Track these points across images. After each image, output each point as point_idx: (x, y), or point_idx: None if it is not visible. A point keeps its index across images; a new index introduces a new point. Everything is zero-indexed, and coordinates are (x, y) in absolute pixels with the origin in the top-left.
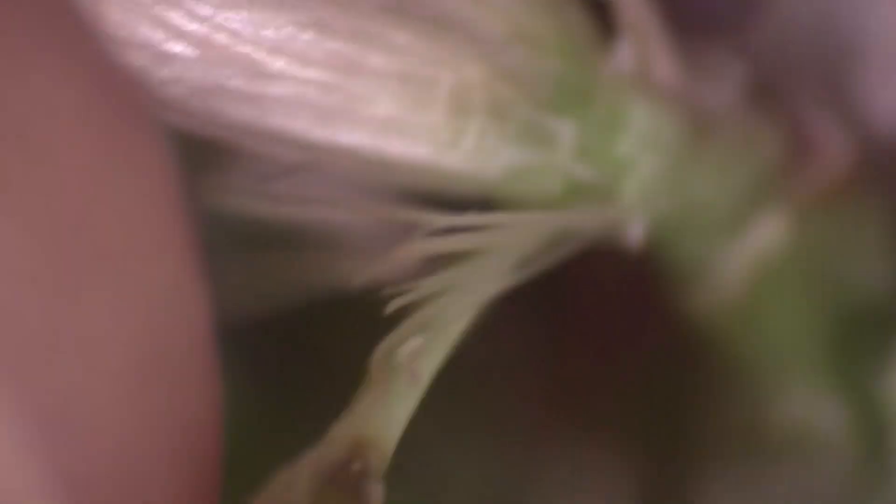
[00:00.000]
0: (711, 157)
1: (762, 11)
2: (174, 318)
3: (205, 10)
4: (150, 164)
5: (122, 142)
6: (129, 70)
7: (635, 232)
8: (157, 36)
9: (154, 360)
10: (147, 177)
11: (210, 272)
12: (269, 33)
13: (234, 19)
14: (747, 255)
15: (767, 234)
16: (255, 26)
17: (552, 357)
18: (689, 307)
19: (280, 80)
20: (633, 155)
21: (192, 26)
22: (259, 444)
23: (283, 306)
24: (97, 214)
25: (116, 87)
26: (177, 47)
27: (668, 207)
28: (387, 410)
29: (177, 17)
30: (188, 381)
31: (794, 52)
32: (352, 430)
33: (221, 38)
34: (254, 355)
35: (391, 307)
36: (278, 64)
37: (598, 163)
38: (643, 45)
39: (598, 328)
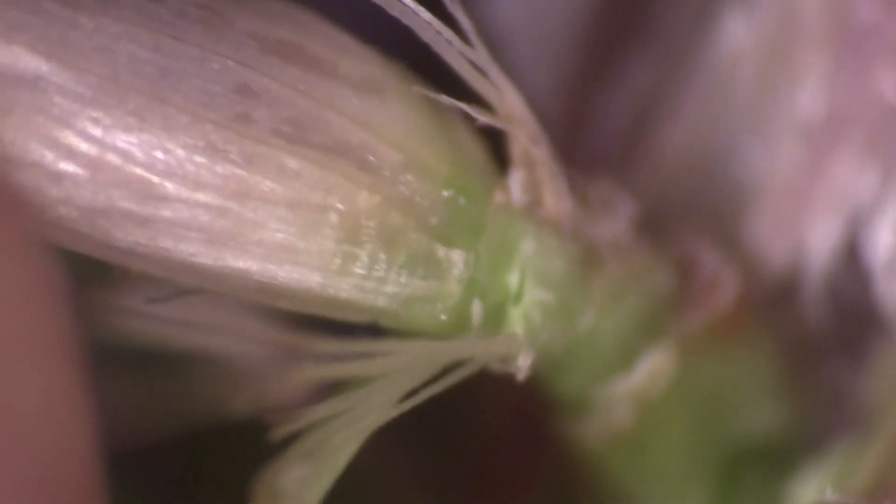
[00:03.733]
0: (599, 290)
1: (654, 147)
2: (57, 437)
3: (96, 131)
4: (33, 283)
5: (5, 252)
6: (16, 187)
7: (524, 362)
8: (47, 155)
9: (33, 477)
10: (29, 295)
11: (98, 394)
12: (160, 155)
13: (126, 140)
14: (634, 388)
15: (654, 368)
16: (147, 148)
17: (439, 486)
18: (576, 438)
19: (170, 203)
20: (521, 286)
21: (84, 146)
22: None
23: (169, 430)
24: None
25: (1, 200)
26: (67, 167)
27: (557, 339)
28: None
29: (68, 137)
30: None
31: (686, 189)
32: None
33: (113, 159)
34: (140, 479)
35: (278, 433)
36: (169, 187)
37: (488, 293)
38: (534, 177)
39: (485, 458)
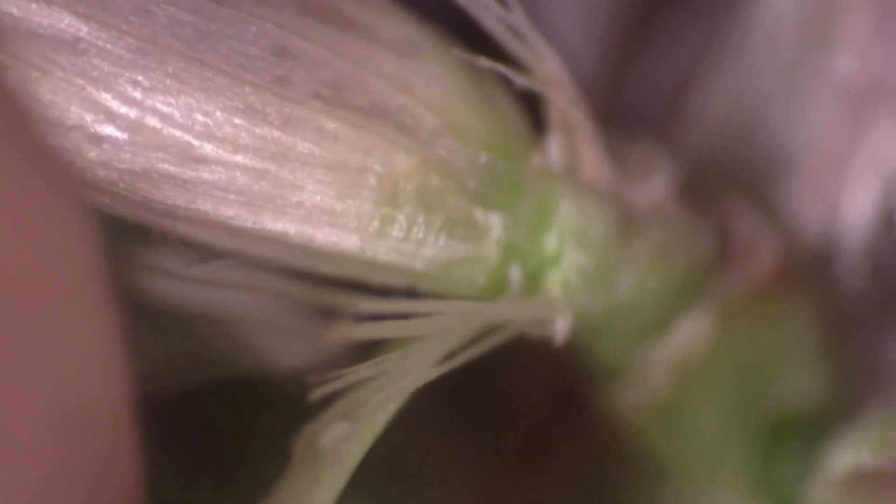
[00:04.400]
0: (638, 254)
1: (693, 111)
2: (92, 384)
3: (136, 93)
4: (73, 236)
5: (45, 213)
6: (56, 149)
7: (561, 326)
8: (87, 118)
9: (73, 421)
10: (70, 248)
11: (135, 347)
12: (199, 118)
13: (165, 103)
14: (672, 354)
15: (692, 333)
16: (186, 110)
17: (475, 449)
18: (613, 403)
19: (209, 166)
20: (560, 250)
21: (123, 109)
22: None
23: (209, 385)
24: (11, 275)
25: (41, 160)
26: (107, 130)
27: (594, 303)
28: (309, 497)
29: (108, 100)
30: (106, 449)
31: (724, 154)
32: None
33: (152, 121)
34: (177, 431)
35: (317, 393)
36: (208, 149)
37: (526, 256)
38: (573, 140)
39: (522, 421)
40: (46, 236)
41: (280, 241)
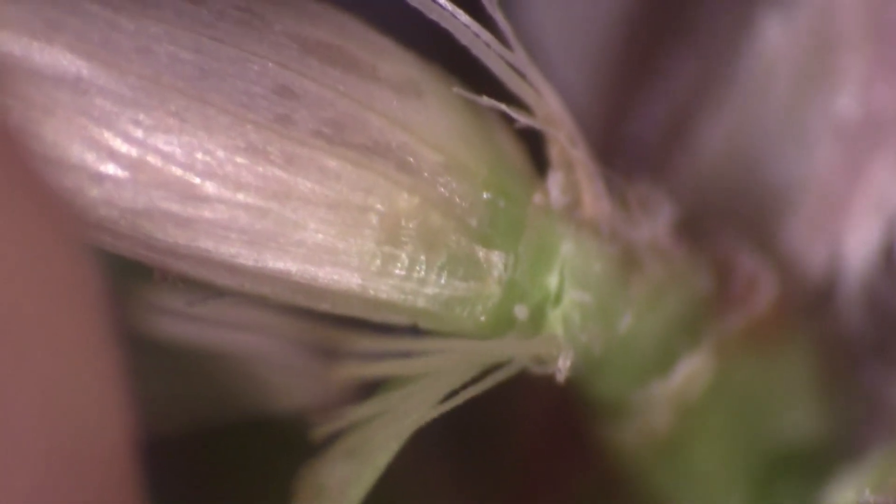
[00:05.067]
0: (638, 292)
1: (692, 149)
2: (92, 425)
3: (138, 133)
4: (73, 276)
5: (45, 253)
6: (57, 188)
7: (563, 364)
8: (89, 157)
9: (71, 462)
10: (70, 288)
11: (137, 389)
12: (201, 156)
13: (167, 142)
14: (671, 391)
15: (692, 371)
16: (188, 149)
17: (477, 485)
18: (614, 441)
19: (211, 204)
20: (561, 287)
21: (125, 148)
22: None
23: (211, 426)
24: (14, 318)
25: (42, 200)
26: (108, 168)
27: (596, 341)
28: None
29: (109, 139)
30: (105, 489)
31: (723, 191)
32: None
33: (154, 160)
34: (180, 473)
35: (320, 431)
36: (210, 187)
37: (527, 294)
38: (573, 178)
39: (524, 459)
40: (46, 276)
41: (282, 279)
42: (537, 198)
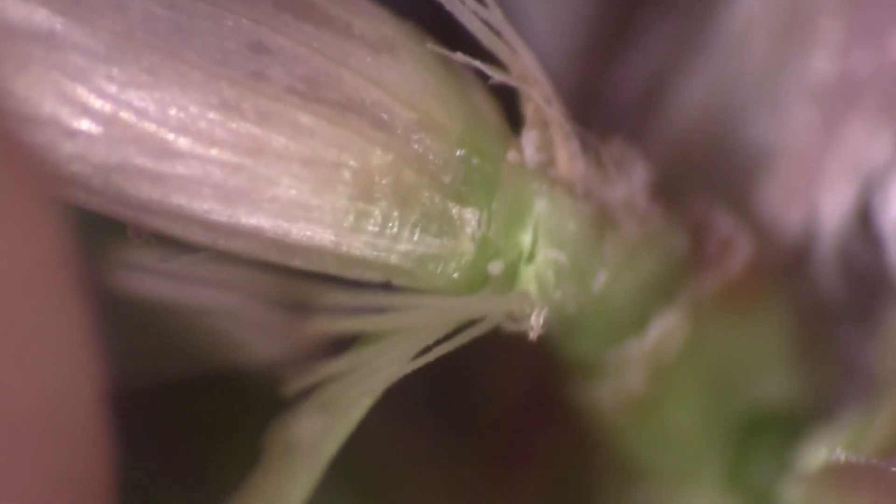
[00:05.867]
0: (612, 251)
1: (668, 111)
2: (61, 379)
3: (111, 88)
4: (43, 231)
5: (14, 208)
6: (30, 143)
7: (536, 322)
8: (62, 112)
9: (41, 416)
10: (40, 243)
11: (109, 344)
12: (174, 112)
13: (141, 97)
14: (646, 351)
15: (667, 331)
16: (161, 105)
17: (450, 446)
18: (587, 400)
19: (184, 160)
20: (535, 245)
21: (98, 103)
22: None
23: (183, 381)
24: None
25: (13, 155)
26: (82, 124)
27: (569, 299)
28: (281, 490)
29: (83, 94)
30: (76, 444)
31: (699, 153)
32: None
33: (127, 115)
34: (151, 427)
35: (291, 386)
36: (183, 143)
37: (501, 252)
38: (548, 137)
39: (498, 417)
40: (14, 231)
41: (255, 235)
42: (511, 155)
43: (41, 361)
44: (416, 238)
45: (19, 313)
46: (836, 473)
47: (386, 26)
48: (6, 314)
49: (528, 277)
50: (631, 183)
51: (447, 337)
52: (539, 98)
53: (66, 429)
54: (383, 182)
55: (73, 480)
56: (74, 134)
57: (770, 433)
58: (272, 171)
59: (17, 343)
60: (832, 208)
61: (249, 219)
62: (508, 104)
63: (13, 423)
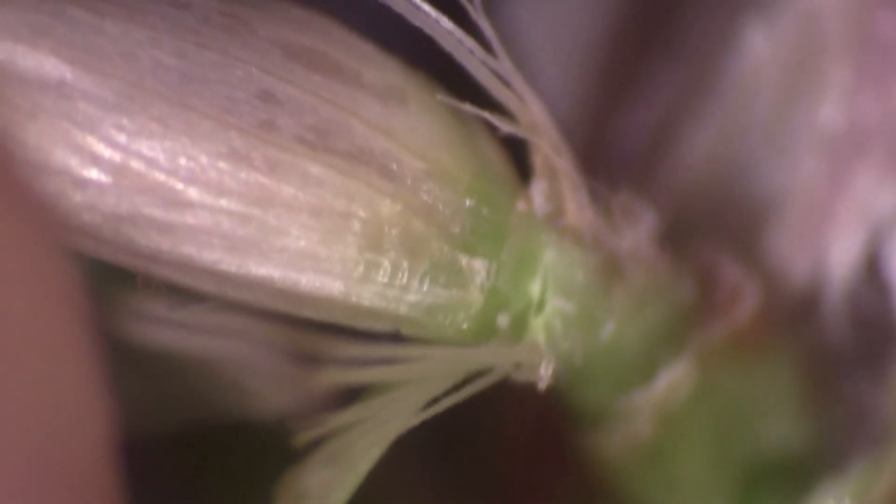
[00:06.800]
0: (621, 300)
1: (676, 159)
2: (71, 427)
3: (121, 137)
4: (55, 280)
5: (27, 257)
6: (40, 193)
7: (545, 371)
8: (72, 161)
9: (49, 460)
10: (51, 292)
11: (118, 391)
12: (184, 162)
13: (150, 147)
14: (654, 399)
15: (674, 380)
16: (171, 154)
17: (460, 494)
18: (596, 448)
19: (193, 210)
20: (543, 295)
21: (108, 153)
22: None
23: (193, 432)
24: None
25: (25, 205)
26: (91, 173)
27: (578, 349)
28: None
29: (92, 143)
30: (85, 492)
31: (707, 201)
32: None
33: (137, 165)
34: (161, 478)
35: (301, 437)
36: (192, 193)
37: (510, 302)
38: (557, 186)
39: (506, 467)
40: (27, 279)
41: (264, 285)
42: (520, 205)
43: (49, 405)
44: (425, 288)
45: (28, 357)
46: None
47: (395, 76)
48: (15, 357)
49: (537, 327)
50: (639, 232)
51: (456, 387)
52: (548, 148)
53: (74, 474)
54: (393, 232)
55: None
56: (84, 183)
57: (778, 481)
58: (281, 221)
59: (25, 386)
60: (840, 256)
61: (259, 269)
62: (517, 154)
63: (22, 469)
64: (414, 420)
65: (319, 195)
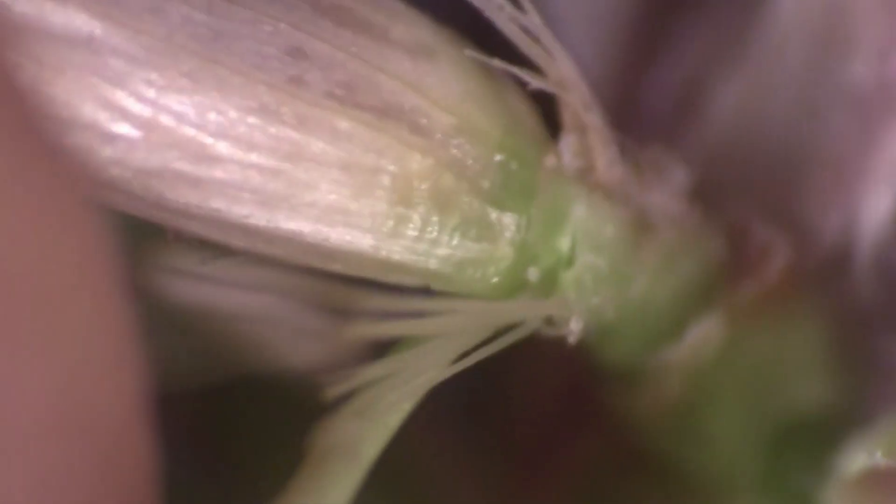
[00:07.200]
0: (650, 257)
1: (706, 116)
2: (103, 381)
3: (150, 92)
4: (87, 236)
5: (59, 214)
6: (70, 148)
7: (574, 327)
8: (101, 116)
9: (78, 420)
10: (84, 248)
11: (149, 345)
12: (213, 117)
13: (180, 102)
14: (683, 357)
15: (704, 337)
16: (200, 109)
17: (487, 451)
18: (624, 405)
19: (223, 164)
20: (573, 250)
21: (137, 108)
22: None
23: (223, 386)
24: (19, 271)
25: (48, 157)
26: (121, 128)
27: (607, 304)
28: (322, 493)
29: (122, 98)
30: (118, 446)
31: (737, 159)
32: None
33: (166, 120)
34: (193, 431)
35: (331, 391)
36: (222, 147)
37: (539, 257)
38: (586, 142)
39: (535, 423)
40: (60, 237)
41: (294, 240)
42: (550, 160)
43: (83, 360)
44: (455, 243)
45: (63, 311)
46: (875, 478)
47: (424, 31)
48: (50, 312)
49: (567, 282)
50: (669, 188)
51: (485, 342)
52: (577, 103)
53: (108, 431)
54: (422, 187)
55: (115, 483)
56: (114, 138)
57: (808, 439)
58: (311, 175)
59: (59, 340)
60: (870, 214)
61: (288, 223)
62: (547, 109)
63: (54, 423)
64: (444, 374)
65: (349, 150)
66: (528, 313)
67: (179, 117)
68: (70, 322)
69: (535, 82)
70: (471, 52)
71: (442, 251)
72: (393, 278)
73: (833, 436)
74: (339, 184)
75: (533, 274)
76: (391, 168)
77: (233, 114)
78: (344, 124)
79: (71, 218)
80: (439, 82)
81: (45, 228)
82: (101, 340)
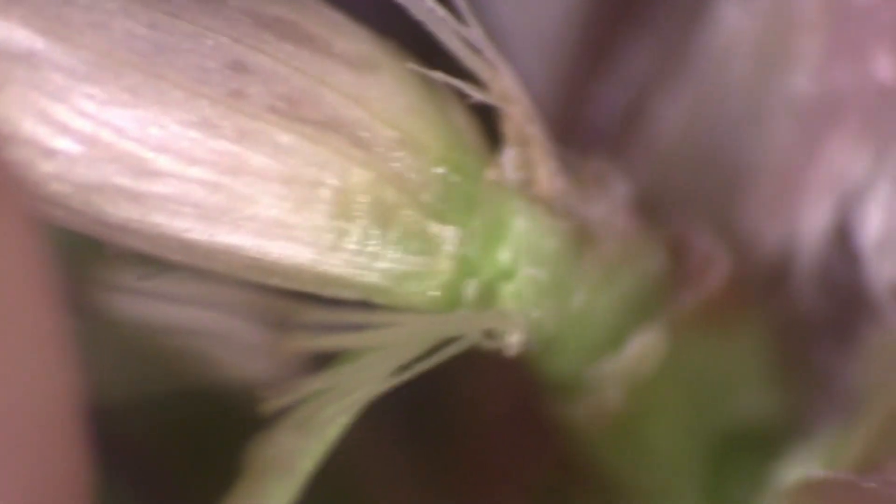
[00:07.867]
0: (592, 269)
1: (648, 129)
2: (38, 394)
3: (91, 107)
4: (23, 250)
5: None
6: (9, 163)
7: (515, 340)
8: (41, 131)
9: (12, 434)
10: (18, 262)
11: (88, 360)
12: (154, 131)
13: (120, 116)
14: (624, 368)
15: (645, 348)
16: (141, 124)
17: (429, 463)
18: (566, 417)
19: (164, 179)
20: (514, 263)
21: (78, 122)
22: None
23: (161, 400)
24: None
25: None
26: (61, 143)
27: (548, 317)
28: None
29: (62, 113)
30: (52, 460)
31: (680, 171)
32: None
33: (107, 135)
34: (129, 444)
35: (270, 404)
36: (163, 162)
37: (480, 269)
38: (528, 155)
39: (477, 436)
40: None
41: (234, 254)
42: (491, 173)
43: (18, 377)
44: (395, 256)
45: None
46: (814, 490)
47: (367, 45)
48: None
49: (508, 295)
50: (611, 200)
51: (425, 355)
52: (519, 116)
53: (42, 444)
54: (363, 200)
55: (48, 492)
56: (54, 153)
57: (748, 450)
58: (252, 189)
59: None
60: (812, 225)
61: (229, 238)
62: (489, 122)
63: None
64: (383, 387)
65: (290, 164)
66: (467, 326)
67: (120, 132)
68: (4, 336)
69: (477, 95)
70: (413, 66)
71: (382, 265)
72: (333, 292)
73: (774, 447)
74: (280, 197)
75: (473, 287)
76: (332, 181)
77: (174, 128)
78: (285, 138)
79: (9, 233)
80: (381, 96)
81: None
82: (35, 354)
